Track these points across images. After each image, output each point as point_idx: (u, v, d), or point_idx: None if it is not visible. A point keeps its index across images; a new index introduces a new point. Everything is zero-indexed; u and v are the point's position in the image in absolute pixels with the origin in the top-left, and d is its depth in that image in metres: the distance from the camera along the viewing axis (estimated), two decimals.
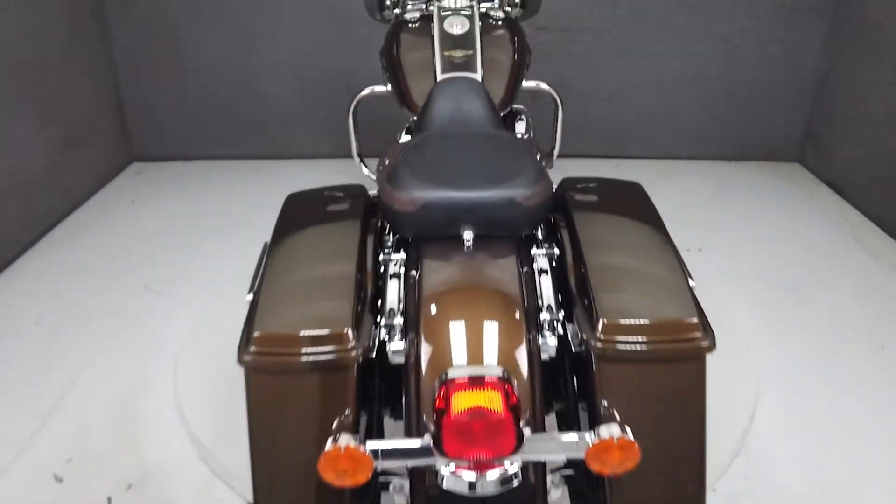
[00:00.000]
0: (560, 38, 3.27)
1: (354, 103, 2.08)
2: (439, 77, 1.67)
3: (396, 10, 2.11)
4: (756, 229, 2.84)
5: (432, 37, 1.77)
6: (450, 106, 1.60)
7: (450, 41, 1.74)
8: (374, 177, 2.22)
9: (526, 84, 1.83)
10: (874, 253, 2.62)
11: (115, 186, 3.25)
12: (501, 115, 1.69)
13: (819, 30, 3.22)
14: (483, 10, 1.89)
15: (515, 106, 1.83)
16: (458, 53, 1.72)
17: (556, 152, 2.07)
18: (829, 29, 3.21)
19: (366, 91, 2.06)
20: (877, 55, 2.89)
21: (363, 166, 2.21)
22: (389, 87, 1.85)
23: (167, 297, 2.37)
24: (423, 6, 1.97)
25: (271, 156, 3.52)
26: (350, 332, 0.97)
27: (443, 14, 1.80)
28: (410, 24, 1.87)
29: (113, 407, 1.87)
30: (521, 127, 1.85)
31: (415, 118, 1.66)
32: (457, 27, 1.76)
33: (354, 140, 2.17)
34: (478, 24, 1.78)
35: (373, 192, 1.45)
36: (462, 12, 1.80)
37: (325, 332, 0.96)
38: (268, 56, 3.32)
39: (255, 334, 0.96)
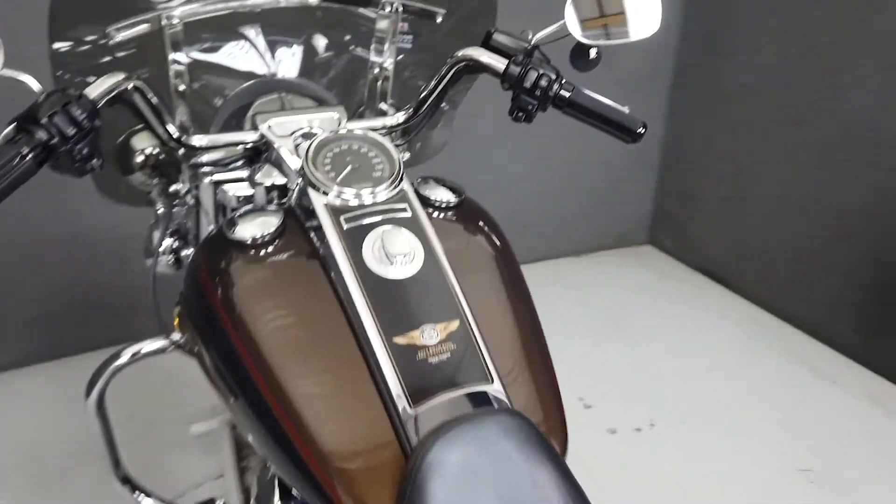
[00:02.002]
0: None
1: (98, 388, 0.97)
2: (415, 430, 0.64)
3: (177, 186, 1.00)
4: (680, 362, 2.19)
5: (334, 292, 0.71)
6: None
7: (394, 301, 0.70)
8: None
9: None
10: (836, 381, 2.14)
11: None
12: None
13: (660, 95, 2.73)
14: (418, 187, 0.86)
15: None
16: (434, 337, 0.68)
17: None
18: (669, 94, 2.74)
19: (124, 358, 0.98)
20: (715, 120, 2.54)
21: None
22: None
23: None
24: (275, 195, 0.89)
25: None
26: None
27: (349, 225, 0.74)
28: (266, 254, 0.76)
29: None
30: None
31: None
32: (397, 259, 0.71)
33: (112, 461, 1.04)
34: (434, 236, 0.76)
35: None
36: (391, 215, 0.76)
37: None
38: None
39: None
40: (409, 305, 0.69)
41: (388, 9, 0.98)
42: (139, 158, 1.04)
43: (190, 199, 1.01)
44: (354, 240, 0.72)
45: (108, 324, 2.08)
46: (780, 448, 1.81)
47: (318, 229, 0.75)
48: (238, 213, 0.79)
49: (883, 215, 2.05)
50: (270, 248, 0.76)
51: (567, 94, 0.89)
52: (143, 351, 1.00)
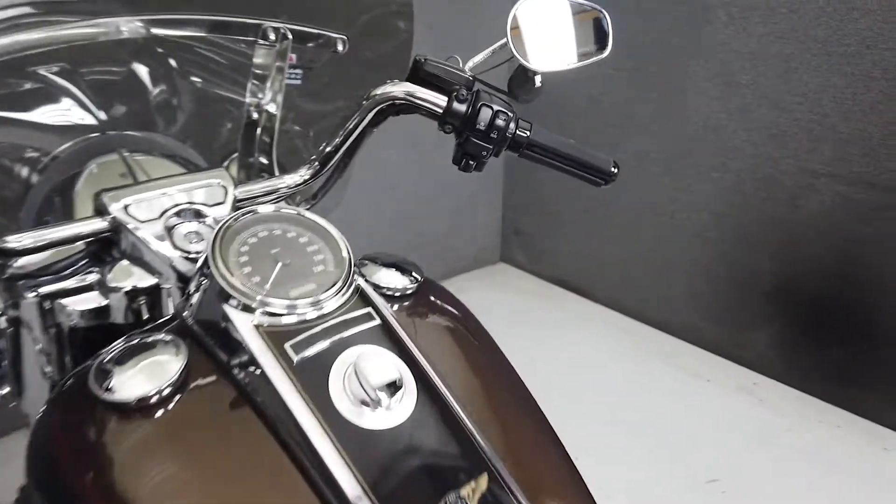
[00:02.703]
0: None
1: None
2: None
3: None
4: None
5: (293, 462, 0.47)
6: None
7: (394, 466, 0.47)
8: None
9: None
10: (694, 372, 2.18)
11: None
12: None
13: None
14: (373, 291, 0.62)
15: None
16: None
17: None
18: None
19: None
20: (562, 133, 2.48)
21: None
22: None
23: None
24: (142, 303, 0.61)
25: None
26: None
27: (300, 356, 0.50)
28: (168, 414, 0.49)
29: None
30: None
31: None
32: (383, 396, 0.49)
33: None
34: (415, 348, 0.54)
35: None
36: (354, 329, 0.53)
37: None
38: None
39: None
40: (416, 469, 0.47)
41: (272, 36, 0.74)
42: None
43: (3, 323, 0.69)
44: (313, 378, 0.49)
45: None
46: (684, 461, 1.78)
47: (249, 365, 0.50)
48: (108, 355, 0.51)
49: (729, 215, 2.13)
50: (172, 405, 0.49)
51: (526, 135, 0.72)
52: None
